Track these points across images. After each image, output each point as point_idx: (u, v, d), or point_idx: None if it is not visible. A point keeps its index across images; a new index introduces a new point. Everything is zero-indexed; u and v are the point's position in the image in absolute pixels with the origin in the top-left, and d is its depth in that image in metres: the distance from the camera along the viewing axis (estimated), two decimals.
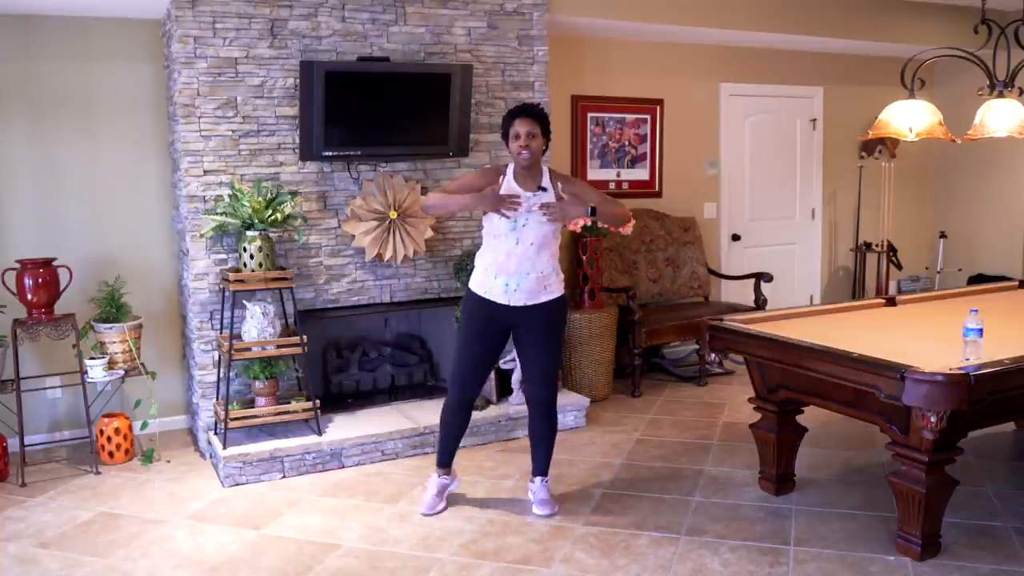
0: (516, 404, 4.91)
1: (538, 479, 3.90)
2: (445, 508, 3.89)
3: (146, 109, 4.95)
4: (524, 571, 3.32)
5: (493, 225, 3.67)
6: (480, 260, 3.77)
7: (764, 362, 3.78)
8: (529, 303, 3.68)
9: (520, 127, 3.61)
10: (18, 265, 4.46)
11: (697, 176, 6.74)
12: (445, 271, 5.09)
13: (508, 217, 3.60)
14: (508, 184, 3.67)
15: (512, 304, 3.68)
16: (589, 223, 5.00)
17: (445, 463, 3.94)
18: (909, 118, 4.13)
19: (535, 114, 3.65)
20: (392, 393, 5.20)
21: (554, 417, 3.86)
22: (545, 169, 3.74)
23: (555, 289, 3.75)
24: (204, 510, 3.98)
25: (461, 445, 4.66)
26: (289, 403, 4.52)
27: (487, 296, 3.70)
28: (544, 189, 3.67)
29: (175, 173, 4.81)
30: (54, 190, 4.82)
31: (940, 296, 4.73)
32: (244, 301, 4.46)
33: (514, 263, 3.64)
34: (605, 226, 5.37)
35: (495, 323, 3.73)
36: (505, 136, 3.70)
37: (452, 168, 5.03)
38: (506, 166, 3.74)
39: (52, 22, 4.73)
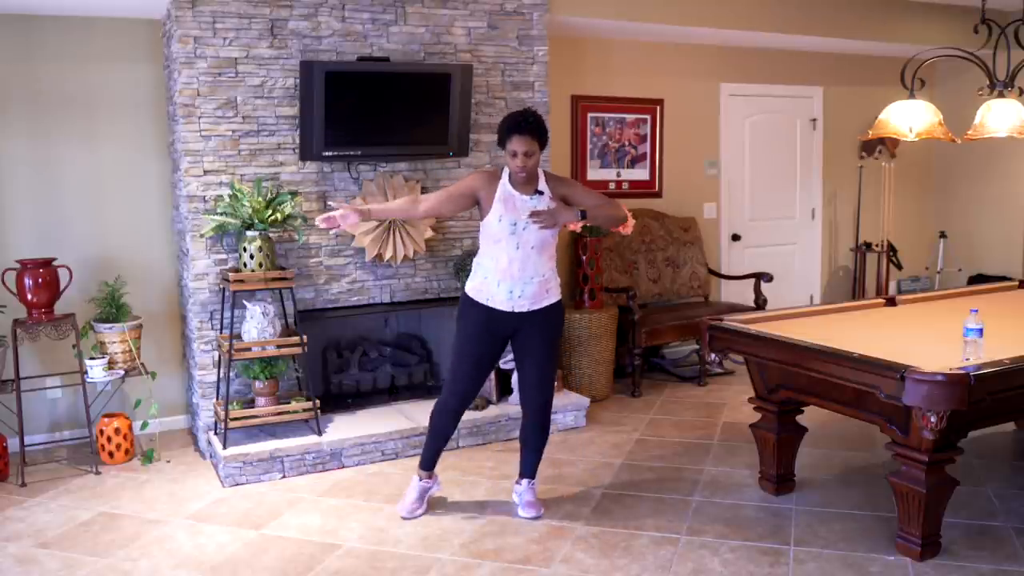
0: (516, 404, 4.90)
1: (525, 481, 3.88)
2: (424, 512, 3.86)
3: (146, 109, 4.95)
4: (524, 571, 3.32)
5: (492, 231, 3.62)
6: (479, 267, 3.71)
7: (764, 362, 3.78)
8: (533, 308, 3.66)
9: (518, 145, 3.52)
10: (18, 265, 4.46)
11: (697, 176, 6.74)
12: (445, 271, 5.09)
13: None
14: (504, 187, 3.62)
15: (516, 311, 3.64)
16: (579, 229, 4.98)
17: (430, 467, 3.90)
18: (909, 118, 4.12)
19: (533, 130, 3.53)
20: (392, 393, 5.20)
21: (548, 422, 3.83)
22: (540, 172, 3.69)
23: (555, 293, 3.73)
24: (204, 510, 3.98)
25: (460, 445, 4.69)
26: (289, 403, 4.52)
27: (488, 303, 3.65)
28: (540, 192, 3.63)
29: (175, 173, 4.81)
30: (54, 190, 4.82)
31: (940, 296, 4.73)
32: (244, 301, 4.46)
33: (517, 268, 3.60)
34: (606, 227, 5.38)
35: (496, 331, 3.70)
36: (501, 144, 3.61)
37: (452, 168, 5.03)
38: (502, 168, 3.70)
39: (52, 22, 4.73)
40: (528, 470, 3.88)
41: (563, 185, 3.72)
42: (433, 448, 3.88)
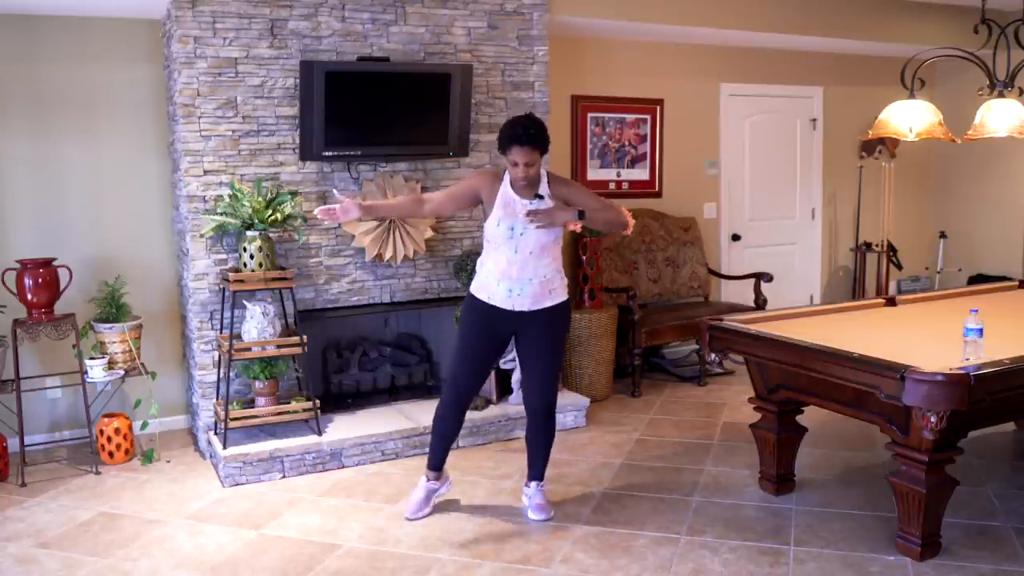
0: (516, 404, 4.91)
1: (534, 484, 3.87)
2: (431, 513, 3.86)
3: (146, 109, 4.95)
4: (524, 571, 3.32)
5: (492, 234, 3.63)
6: (482, 266, 3.73)
7: (764, 362, 3.78)
8: (533, 308, 3.64)
9: (519, 156, 3.48)
10: (18, 265, 4.46)
11: (697, 176, 6.74)
12: (445, 271, 5.09)
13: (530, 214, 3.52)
14: (506, 191, 3.61)
15: (516, 309, 3.63)
16: (579, 229, 4.97)
17: (437, 466, 3.89)
18: (909, 118, 4.13)
19: (535, 140, 3.48)
20: (392, 393, 5.20)
21: (553, 423, 3.82)
22: (543, 174, 3.66)
23: (559, 294, 3.70)
24: (204, 510, 3.98)
25: (461, 445, 4.69)
26: (289, 403, 4.52)
27: (490, 301, 3.66)
28: (541, 196, 3.61)
29: (175, 173, 4.81)
30: (54, 190, 4.82)
31: (940, 296, 4.73)
32: (244, 301, 4.46)
33: (515, 270, 3.60)
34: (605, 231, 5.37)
35: (497, 330, 3.69)
36: (502, 150, 3.56)
37: (452, 168, 5.03)
38: (504, 170, 3.67)
39: (52, 22, 4.73)
40: (537, 472, 3.87)
41: (564, 186, 3.70)
42: (438, 449, 3.87)
